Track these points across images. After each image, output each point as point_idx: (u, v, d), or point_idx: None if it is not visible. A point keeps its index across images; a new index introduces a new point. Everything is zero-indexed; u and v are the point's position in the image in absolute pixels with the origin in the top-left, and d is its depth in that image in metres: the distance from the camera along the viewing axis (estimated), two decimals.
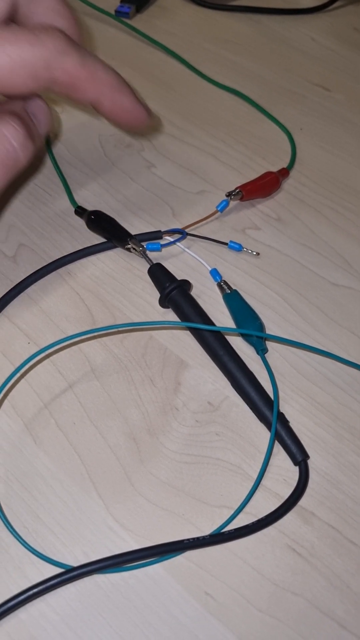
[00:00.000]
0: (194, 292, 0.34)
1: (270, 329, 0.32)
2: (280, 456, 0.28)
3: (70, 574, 0.24)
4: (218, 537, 0.26)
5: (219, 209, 0.37)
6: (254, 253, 0.35)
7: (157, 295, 0.33)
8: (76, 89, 0.28)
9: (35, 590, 0.24)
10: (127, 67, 0.48)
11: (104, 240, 0.36)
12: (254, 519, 0.26)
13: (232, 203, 0.38)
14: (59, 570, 0.25)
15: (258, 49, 0.50)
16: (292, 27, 0.53)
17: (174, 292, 0.32)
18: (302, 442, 0.28)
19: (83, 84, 0.28)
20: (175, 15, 0.53)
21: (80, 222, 0.37)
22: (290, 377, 0.31)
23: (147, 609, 0.24)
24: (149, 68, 0.48)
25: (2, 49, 0.25)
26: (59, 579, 0.24)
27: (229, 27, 0.52)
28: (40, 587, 0.24)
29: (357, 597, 0.25)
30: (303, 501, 0.27)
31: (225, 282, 0.33)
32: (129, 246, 0.34)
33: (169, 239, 0.36)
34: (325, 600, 0.25)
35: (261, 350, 0.31)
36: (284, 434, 0.28)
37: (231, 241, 0.35)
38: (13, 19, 0.29)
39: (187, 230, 0.36)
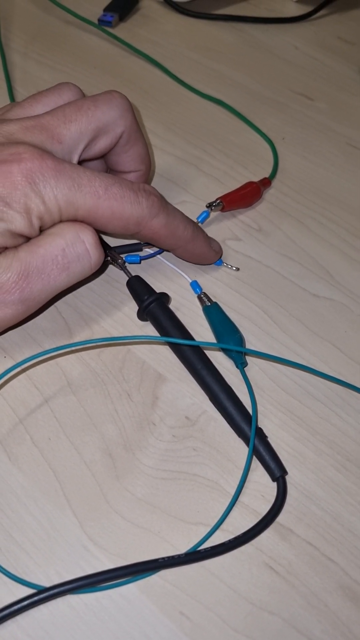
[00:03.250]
0: (173, 305, 0.33)
1: (250, 341, 0.32)
2: (258, 472, 0.28)
3: (42, 595, 0.24)
4: (194, 556, 0.25)
5: (199, 220, 0.36)
6: (234, 268, 0.35)
7: (136, 307, 0.32)
8: (156, 241, 0.32)
9: (6, 611, 0.23)
10: (110, 75, 0.47)
11: None
12: (231, 537, 0.26)
13: (213, 214, 0.38)
14: (31, 590, 0.24)
15: (241, 58, 0.50)
16: (275, 35, 0.52)
17: (152, 305, 0.31)
18: (281, 457, 0.28)
19: (163, 239, 0.32)
20: (159, 24, 0.53)
21: None
22: (269, 390, 0.30)
23: (120, 630, 0.24)
24: (131, 77, 0.48)
25: (109, 203, 0.29)
26: (30, 600, 0.24)
27: (212, 36, 0.52)
28: (12, 609, 0.24)
29: (334, 616, 0.24)
30: (281, 518, 0.27)
31: (205, 295, 0.33)
32: (108, 258, 0.34)
33: (149, 251, 0.35)
34: (302, 620, 0.24)
35: (240, 364, 0.30)
36: (262, 450, 0.28)
37: None
38: (104, 152, 0.32)
39: None
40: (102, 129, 0.31)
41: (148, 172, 0.36)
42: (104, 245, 0.34)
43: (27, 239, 0.28)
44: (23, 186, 0.27)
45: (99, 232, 0.31)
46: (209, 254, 0.34)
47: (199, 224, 0.36)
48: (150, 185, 0.31)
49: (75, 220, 0.29)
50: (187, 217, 0.33)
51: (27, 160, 0.27)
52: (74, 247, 0.28)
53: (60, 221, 0.29)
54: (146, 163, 0.35)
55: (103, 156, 0.33)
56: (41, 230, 0.28)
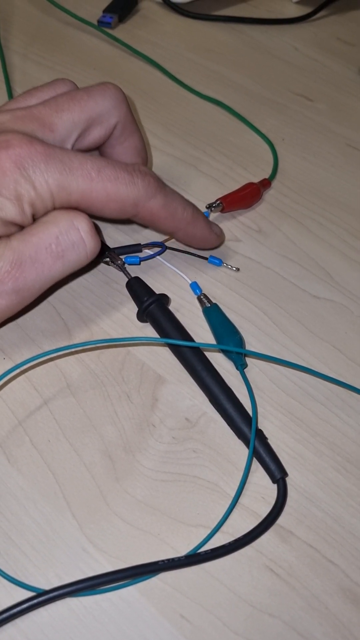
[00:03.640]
0: (173, 306, 0.33)
1: (250, 343, 0.32)
2: (258, 473, 0.28)
3: (41, 598, 0.24)
4: (194, 558, 0.25)
5: None
6: (234, 269, 0.35)
7: (136, 309, 0.32)
8: (155, 224, 0.32)
9: (5, 615, 0.23)
10: (109, 76, 0.47)
11: None
12: (231, 539, 0.26)
13: (213, 215, 0.37)
14: (31, 594, 0.24)
15: (240, 59, 0.50)
16: (275, 37, 0.52)
17: (151, 306, 0.31)
18: (281, 458, 0.28)
19: (162, 221, 0.31)
20: (158, 25, 0.53)
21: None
22: (269, 392, 0.30)
23: (120, 633, 0.24)
24: (130, 78, 0.48)
25: (103, 185, 0.28)
26: (30, 603, 0.24)
27: (212, 37, 0.52)
28: (11, 612, 0.23)
29: (335, 618, 0.24)
30: (281, 520, 0.27)
31: (205, 296, 0.33)
32: (108, 259, 0.34)
33: (148, 252, 0.35)
34: (303, 623, 0.24)
35: (240, 366, 0.30)
36: (262, 451, 0.28)
37: (211, 256, 0.35)
38: (98, 144, 0.32)
39: (167, 243, 0.35)
40: (96, 119, 0.31)
41: (145, 165, 0.35)
42: (103, 246, 0.34)
43: (20, 227, 0.28)
44: (12, 172, 0.26)
45: (98, 218, 0.30)
46: (211, 237, 0.34)
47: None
48: (146, 167, 0.31)
49: (69, 206, 0.28)
50: (185, 199, 0.32)
51: (16, 146, 0.27)
52: (68, 235, 0.28)
53: (54, 208, 0.28)
54: (142, 156, 0.35)
55: (98, 148, 0.33)
56: (34, 218, 0.28)
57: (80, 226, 0.28)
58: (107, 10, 0.53)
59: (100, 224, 0.37)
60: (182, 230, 0.32)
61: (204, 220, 0.33)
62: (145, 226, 0.35)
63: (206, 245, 0.35)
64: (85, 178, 0.28)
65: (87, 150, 0.32)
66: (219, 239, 0.35)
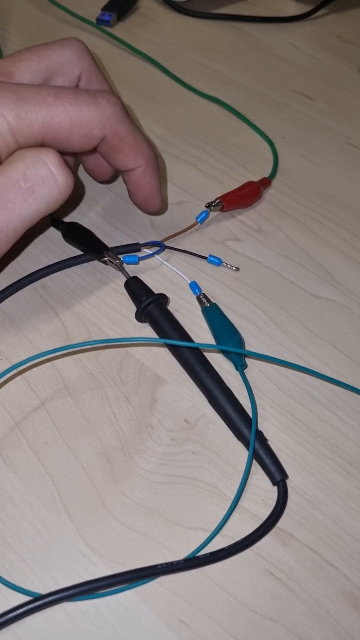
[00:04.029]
0: (172, 306, 0.33)
1: (250, 343, 0.32)
2: (258, 475, 0.27)
3: (38, 602, 0.23)
4: (193, 562, 0.25)
5: (198, 220, 0.36)
6: (234, 268, 0.35)
7: (134, 309, 0.32)
8: (119, 152, 0.30)
9: (1, 620, 0.23)
10: (108, 75, 0.47)
11: (80, 252, 0.35)
12: (231, 542, 0.25)
13: (212, 214, 0.37)
14: (27, 598, 0.24)
15: (240, 58, 0.49)
16: (275, 35, 0.52)
17: (150, 306, 0.31)
18: (281, 460, 0.28)
19: (127, 150, 0.30)
20: (157, 23, 0.53)
21: (57, 234, 0.36)
22: (269, 393, 0.30)
23: (118, 637, 0.23)
24: (129, 76, 0.47)
25: (64, 109, 0.27)
26: (26, 608, 0.23)
27: (211, 35, 0.52)
28: (7, 617, 0.23)
29: (336, 623, 0.24)
30: (282, 522, 0.26)
31: (205, 295, 0.33)
32: (106, 259, 0.33)
33: (147, 251, 0.35)
34: (303, 627, 0.24)
35: (240, 366, 0.30)
36: (262, 453, 0.27)
37: (210, 255, 0.35)
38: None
39: (165, 242, 0.35)
40: (56, 68, 0.30)
41: None
42: (102, 245, 0.34)
43: None
44: None
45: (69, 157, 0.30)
46: (159, 193, 0.33)
47: (198, 224, 0.36)
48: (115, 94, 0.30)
49: (33, 142, 0.27)
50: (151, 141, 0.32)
51: None
52: (36, 169, 0.26)
53: (19, 148, 0.27)
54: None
55: None
56: (0, 162, 0.27)
57: (48, 159, 0.27)
58: (105, 8, 0.52)
59: (99, 223, 0.37)
60: (141, 169, 0.31)
61: (159, 172, 0.32)
62: (107, 160, 0.32)
63: (150, 201, 0.33)
64: (43, 104, 0.26)
65: None
66: (162, 204, 0.34)
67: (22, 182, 0.26)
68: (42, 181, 0.27)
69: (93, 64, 0.32)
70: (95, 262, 0.35)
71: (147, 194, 0.33)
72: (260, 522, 0.26)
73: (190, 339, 0.31)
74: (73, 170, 0.31)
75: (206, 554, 0.25)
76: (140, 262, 0.35)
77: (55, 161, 0.27)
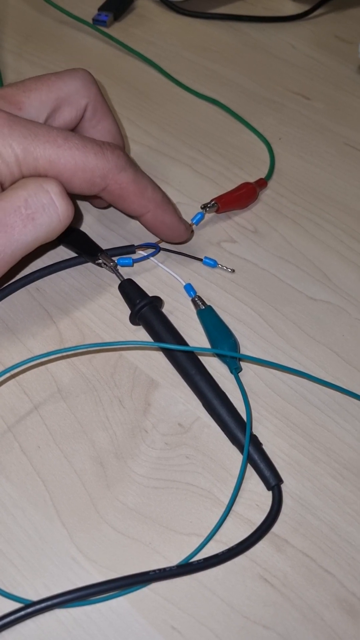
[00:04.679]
0: (167, 308, 0.33)
1: (245, 346, 0.31)
2: (253, 480, 0.27)
3: (29, 609, 0.23)
4: (186, 568, 0.24)
5: (194, 221, 0.36)
6: (229, 270, 0.34)
7: (128, 311, 0.31)
8: (124, 201, 0.31)
9: None
10: (104, 75, 0.47)
11: (74, 255, 0.34)
12: (225, 548, 0.25)
13: (208, 215, 0.37)
14: (18, 605, 0.23)
15: (237, 57, 0.49)
16: (272, 34, 0.52)
17: (144, 309, 0.31)
18: (276, 465, 0.27)
19: (131, 198, 0.30)
20: (154, 23, 0.52)
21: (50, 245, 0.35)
22: (264, 396, 0.30)
23: None
24: (126, 77, 0.47)
25: (71, 152, 0.27)
26: (17, 615, 0.23)
27: (208, 35, 0.51)
28: None
29: (331, 630, 0.24)
30: (276, 528, 0.26)
31: (200, 298, 0.32)
32: (100, 261, 0.33)
33: (142, 253, 0.35)
34: (297, 634, 0.24)
35: (235, 369, 0.30)
36: (256, 457, 0.27)
37: (206, 257, 0.34)
38: (69, 126, 0.32)
39: (160, 244, 0.35)
40: (65, 99, 0.30)
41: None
42: (96, 248, 0.34)
43: None
44: None
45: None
46: (180, 226, 0.33)
47: (194, 226, 0.36)
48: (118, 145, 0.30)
49: (37, 175, 0.28)
50: (156, 183, 0.32)
51: None
52: (38, 197, 0.27)
53: (23, 177, 0.27)
54: (117, 141, 0.34)
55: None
56: (3, 188, 0.27)
57: (50, 188, 0.27)
58: (102, 8, 0.52)
59: (94, 225, 0.36)
60: (150, 212, 0.31)
61: (174, 207, 0.33)
62: (112, 206, 0.34)
63: (174, 235, 0.33)
64: (52, 144, 0.27)
65: None
66: (188, 231, 0.34)
67: (23, 209, 0.27)
68: (42, 209, 0.27)
69: (99, 95, 0.32)
70: (90, 265, 0.34)
71: (167, 232, 0.33)
72: (254, 528, 0.26)
73: (184, 342, 0.31)
74: (74, 200, 0.31)
75: (199, 560, 0.25)
76: (135, 264, 0.34)
77: (57, 190, 0.27)
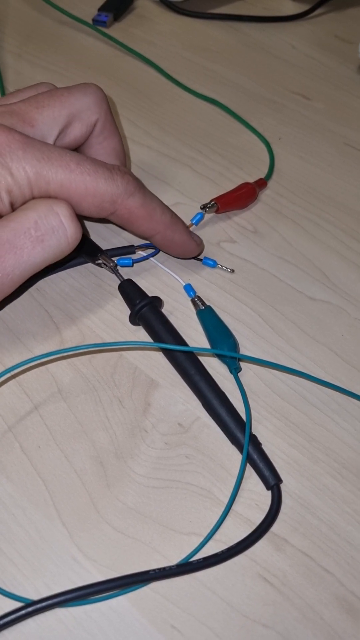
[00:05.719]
0: (166, 309, 0.33)
1: (245, 346, 0.32)
2: (252, 480, 0.27)
3: (30, 609, 0.23)
4: (186, 567, 0.25)
5: (193, 222, 0.36)
6: (229, 270, 0.34)
7: (128, 312, 0.32)
8: (133, 224, 0.31)
9: None
10: (104, 76, 0.47)
11: (74, 255, 0.34)
12: (224, 547, 0.25)
13: (207, 215, 0.37)
14: (19, 604, 0.24)
15: (237, 57, 0.49)
16: (272, 34, 0.52)
17: (144, 309, 0.31)
18: (276, 464, 0.27)
19: (140, 221, 0.31)
20: (154, 23, 0.52)
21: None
22: (264, 396, 0.30)
23: None
24: (126, 77, 0.47)
25: (82, 178, 0.28)
26: (18, 614, 0.23)
27: (208, 35, 0.51)
28: None
29: (330, 629, 0.24)
30: (275, 527, 0.26)
31: (199, 298, 0.32)
32: (100, 261, 0.33)
33: (142, 253, 0.35)
34: (297, 633, 0.24)
35: (234, 369, 0.30)
36: (256, 457, 0.27)
37: (205, 257, 0.35)
38: (79, 142, 0.32)
39: None
40: (76, 115, 0.31)
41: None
42: (96, 248, 0.34)
43: None
44: None
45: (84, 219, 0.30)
46: (191, 244, 0.33)
47: (193, 226, 0.36)
48: (128, 171, 0.31)
49: (48, 196, 0.28)
50: (164, 204, 0.32)
51: None
52: (47, 219, 0.27)
53: (33, 198, 0.28)
54: (121, 159, 0.34)
55: (77, 149, 0.33)
56: (13, 208, 0.28)
57: (60, 211, 0.27)
58: (102, 9, 0.52)
59: (93, 225, 0.36)
60: (160, 234, 0.32)
61: (183, 225, 0.33)
62: (123, 228, 0.34)
63: (185, 252, 0.34)
64: (65, 168, 0.28)
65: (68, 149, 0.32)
66: (199, 247, 0.34)
67: (32, 231, 0.27)
68: (52, 231, 0.27)
69: (109, 112, 0.32)
70: (90, 265, 0.34)
71: (178, 250, 0.34)
72: (254, 527, 0.26)
73: (184, 343, 0.31)
74: (82, 222, 0.31)
75: (199, 559, 0.25)
76: (135, 264, 0.35)
77: (67, 213, 0.28)
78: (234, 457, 0.28)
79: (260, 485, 0.27)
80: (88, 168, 0.28)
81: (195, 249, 0.34)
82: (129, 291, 0.32)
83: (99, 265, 0.34)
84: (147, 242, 0.35)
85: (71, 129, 0.31)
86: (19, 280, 0.28)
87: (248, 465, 0.27)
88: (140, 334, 0.32)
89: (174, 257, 0.35)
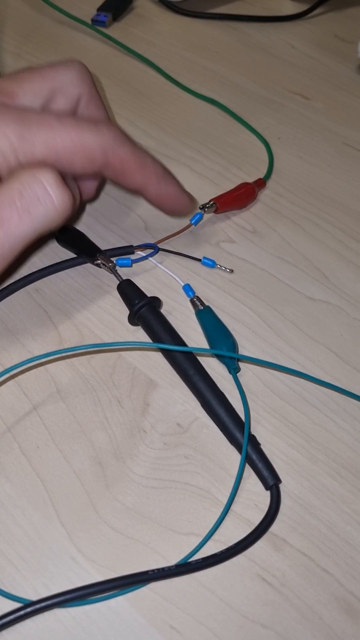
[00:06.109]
0: (165, 309, 0.33)
1: (244, 346, 0.32)
2: (251, 480, 0.27)
3: (29, 609, 0.23)
4: (184, 567, 0.25)
5: (192, 222, 0.36)
6: (228, 270, 0.34)
7: (127, 312, 0.32)
8: (126, 175, 0.30)
9: None
10: (103, 76, 0.47)
11: (73, 255, 0.35)
12: (223, 547, 0.25)
13: (207, 215, 0.37)
14: (18, 604, 0.24)
15: (236, 57, 0.49)
16: (271, 34, 0.52)
17: (143, 309, 0.31)
18: (274, 464, 0.27)
19: (133, 171, 0.30)
20: (153, 23, 0.52)
21: (50, 237, 0.36)
22: (263, 396, 0.30)
23: None
24: (125, 77, 0.47)
25: (67, 133, 0.27)
26: (17, 614, 0.23)
27: (208, 35, 0.51)
28: None
29: (329, 629, 0.24)
30: (274, 527, 0.26)
31: (198, 298, 0.32)
32: (99, 262, 0.33)
33: (140, 253, 0.35)
34: (296, 633, 0.24)
35: (233, 370, 0.30)
36: (255, 457, 0.27)
37: (204, 257, 0.35)
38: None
39: (159, 244, 0.35)
40: (58, 89, 0.30)
41: None
42: (95, 248, 0.34)
43: None
44: None
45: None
46: (184, 197, 0.33)
47: (192, 226, 0.36)
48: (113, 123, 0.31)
49: (35, 162, 0.27)
50: (154, 156, 0.32)
51: None
52: (31, 188, 0.26)
53: (20, 165, 0.27)
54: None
55: None
56: (1, 179, 0.27)
57: (44, 178, 0.26)
58: (101, 8, 0.52)
59: (92, 225, 0.36)
60: (153, 186, 0.31)
61: (175, 178, 0.32)
62: (116, 184, 0.33)
63: (179, 206, 0.33)
64: (47, 127, 0.27)
65: None
66: (192, 203, 0.34)
67: (17, 201, 0.26)
68: (37, 200, 0.26)
69: (93, 87, 0.32)
70: (89, 265, 0.34)
71: (172, 203, 0.33)
72: (253, 527, 0.26)
73: (183, 343, 0.31)
74: (75, 189, 0.31)
75: (198, 559, 0.25)
76: (134, 264, 0.34)
77: (52, 180, 0.27)
78: (233, 457, 0.28)
79: (259, 486, 0.27)
80: (72, 123, 0.28)
81: (189, 203, 0.34)
82: (128, 291, 0.32)
83: (97, 265, 0.34)
84: (146, 242, 0.35)
85: (54, 104, 0.30)
86: (9, 254, 0.27)
87: (247, 465, 0.27)
88: (139, 334, 0.32)
89: (167, 213, 0.34)
